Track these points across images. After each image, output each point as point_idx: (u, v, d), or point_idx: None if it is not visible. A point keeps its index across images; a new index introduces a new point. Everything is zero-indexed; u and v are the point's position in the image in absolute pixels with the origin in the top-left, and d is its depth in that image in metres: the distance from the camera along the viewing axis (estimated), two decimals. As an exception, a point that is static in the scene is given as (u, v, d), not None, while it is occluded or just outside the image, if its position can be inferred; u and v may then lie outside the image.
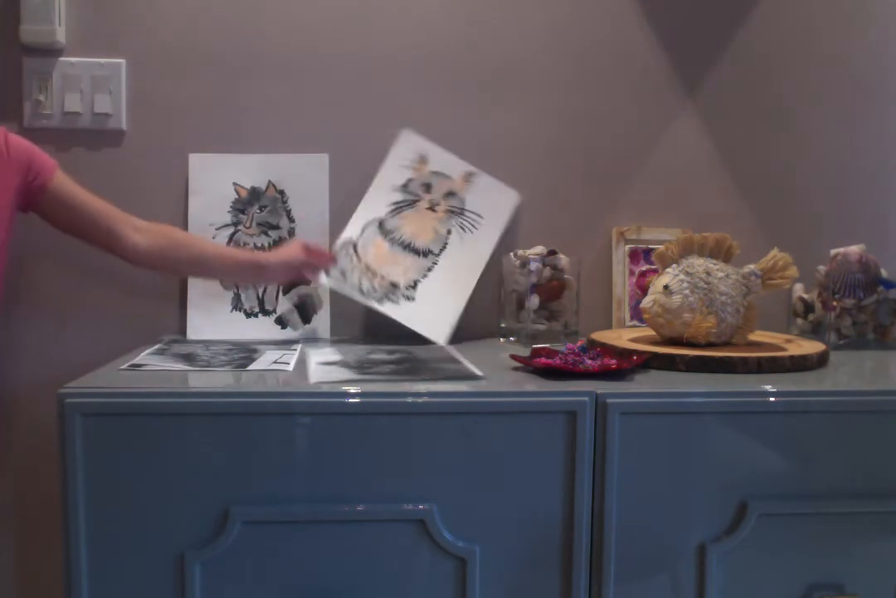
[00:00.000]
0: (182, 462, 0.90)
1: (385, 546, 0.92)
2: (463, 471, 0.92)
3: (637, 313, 1.35)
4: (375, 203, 1.28)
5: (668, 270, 1.16)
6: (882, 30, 1.44)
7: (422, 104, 1.36)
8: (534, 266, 1.24)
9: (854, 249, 1.30)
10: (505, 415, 0.92)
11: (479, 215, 1.29)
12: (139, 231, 1.17)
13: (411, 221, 1.27)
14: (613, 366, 1.02)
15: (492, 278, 1.34)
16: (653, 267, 1.33)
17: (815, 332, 1.32)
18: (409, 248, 1.26)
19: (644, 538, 0.94)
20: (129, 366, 1.04)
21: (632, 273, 1.39)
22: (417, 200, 1.28)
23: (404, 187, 1.29)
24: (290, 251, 1.23)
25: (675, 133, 1.41)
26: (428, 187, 1.29)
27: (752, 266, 1.17)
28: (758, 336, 1.22)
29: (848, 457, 0.97)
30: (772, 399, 0.95)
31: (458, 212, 1.28)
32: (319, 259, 1.24)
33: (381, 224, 1.27)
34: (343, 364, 1.05)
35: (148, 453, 0.89)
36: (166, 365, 1.05)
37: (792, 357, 1.07)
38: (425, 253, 1.26)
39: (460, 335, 1.35)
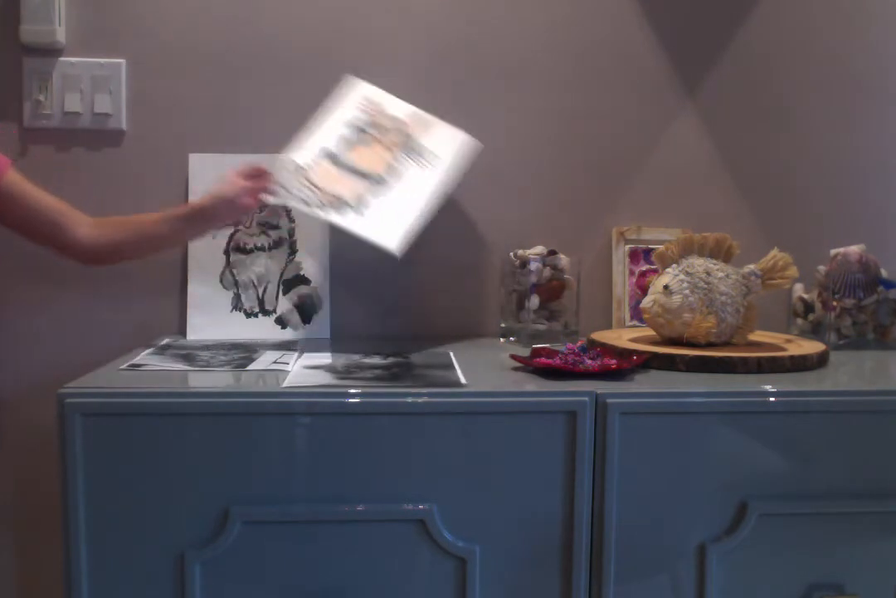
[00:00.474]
0: (182, 462, 0.90)
1: (385, 546, 0.92)
2: (463, 471, 0.92)
3: (637, 313, 1.35)
4: (322, 136, 1.23)
5: (668, 270, 1.16)
6: (882, 30, 1.44)
7: (422, 104, 1.36)
8: (534, 266, 1.24)
9: (854, 249, 1.30)
10: (505, 415, 0.93)
11: (434, 155, 1.23)
12: (85, 226, 1.15)
13: (363, 154, 1.21)
14: (613, 366, 1.02)
15: (492, 278, 1.34)
16: (653, 267, 1.33)
17: (815, 332, 1.32)
18: (360, 174, 1.19)
19: (644, 538, 0.94)
20: (129, 366, 1.04)
21: (632, 273, 1.39)
22: (368, 138, 1.23)
23: (353, 125, 1.24)
24: (225, 185, 1.18)
25: (675, 133, 1.41)
26: (378, 127, 1.24)
27: (752, 266, 1.17)
28: (758, 336, 1.22)
29: (848, 457, 0.97)
30: (772, 399, 0.95)
31: (411, 152, 1.22)
32: (257, 182, 1.18)
33: (329, 153, 1.20)
34: (328, 368, 1.04)
35: (148, 453, 0.89)
36: (166, 365, 1.05)
37: (792, 357, 1.07)
38: (378, 180, 1.18)
39: (460, 335, 1.35)
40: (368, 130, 1.23)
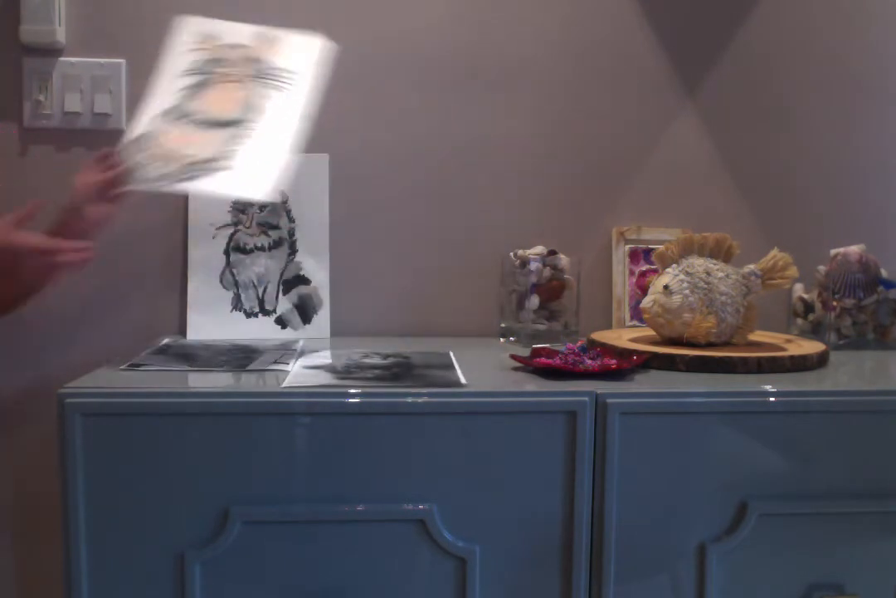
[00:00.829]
0: (182, 462, 0.90)
1: (385, 546, 0.92)
2: (463, 471, 0.92)
3: (637, 313, 1.35)
4: (162, 96, 1.12)
5: (668, 270, 1.16)
6: (882, 30, 1.44)
7: (422, 104, 1.36)
8: (534, 266, 1.24)
9: (854, 249, 1.30)
10: (505, 415, 0.93)
11: (288, 71, 1.12)
12: None
13: (212, 99, 1.10)
14: (613, 366, 1.02)
15: (492, 278, 1.34)
16: (653, 267, 1.33)
17: (815, 332, 1.32)
18: (215, 124, 1.08)
19: (644, 538, 0.94)
20: (129, 366, 1.04)
21: (632, 273, 1.39)
22: (213, 77, 1.11)
23: (192, 71, 1.12)
24: (75, 191, 1.06)
25: (675, 133, 1.41)
26: (220, 62, 1.12)
27: (752, 266, 1.17)
28: (758, 336, 1.22)
29: (848, 457, 0.97)
30: (772, 399, 0.95)
31: (264, 75, 1.11)
32: (107, 174, 1.07)
33: (175, 110, 1.09)
34: (328, 368, 1.04)
35: (148, 453, 0.89)
36: (166, 365, 1.05)
37: (792, 357, 1.07)
38: (237, 123, 1.08)
39: (460, 335, 1.35)
40: (211, 70, 1.12)
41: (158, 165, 1.04)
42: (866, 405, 0.97)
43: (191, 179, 1.04)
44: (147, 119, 1.09)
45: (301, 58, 1.13)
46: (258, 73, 1.11)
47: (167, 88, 1.11)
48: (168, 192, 1.05)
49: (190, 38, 1.15)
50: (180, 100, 1.09)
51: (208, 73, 1.11)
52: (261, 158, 1.05)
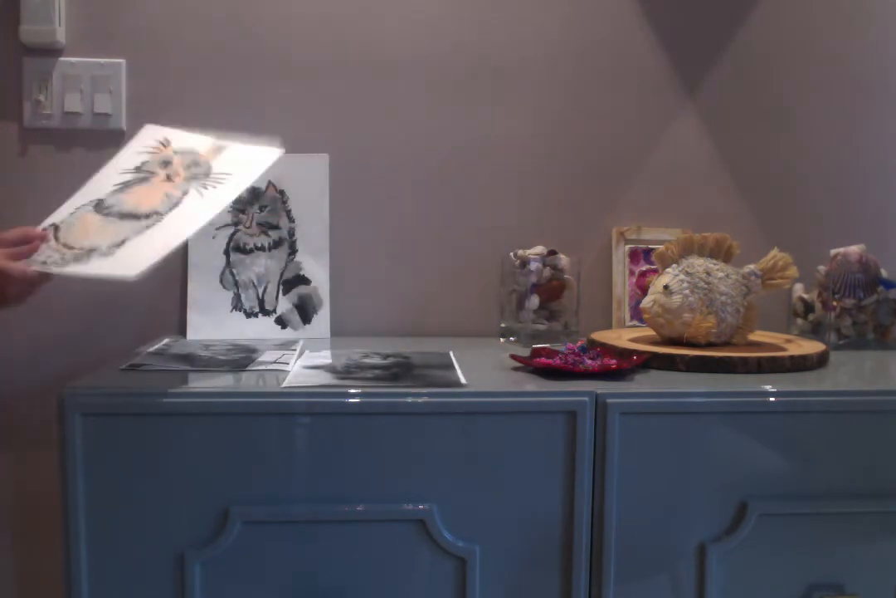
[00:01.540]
0: (182, 462, 0.90)
1: (385, 546, 0.92)
2: (463, 471, 0.92)
3: (637, 313, 1.35)
4: (96, 189, 1.13)
5: (668, 270, 1.16)
6: (882, 30, 1.44)
7: (422, 104, 1.36)
8: (534, 266, 1.24)
9: (854, 249, 1.30)
10: (505, 415, 0.93)
11: (226, 174, 1.11)
12: None
13: (139, 194, 1.10)
14: (613, 366, 1.02)
15: (492, 278, 1.34)
16: (653, 267, 1.33)
17: (815, 332, 1.32)
18: (128, 216, 1.08)
19: (644, 538, 0.94)
20: (129, 366, 1.04)
21: (632, 273, 1.39)
22: (151, 176, 1.12)
23: (138, 169, 1.13)
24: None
25: (675, 133, 1.41)
26: (167, 164, 1.13)
27: (752, 266, 1.17)
28: (758, 336, 1.22)
29: (848, 457, 0.97)
30: (772, 399, 0.95)
31: (200, 177, 1.11)
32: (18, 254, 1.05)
33: (98, 203, 1.10)
34: (328, 368, 1.04)
35: (148, 453, 0.89)
36: (166, 365, 1.05)
37: (792, 357, 1.07)
38: (147, 216, 1.07)
39: (460, 335, 1.35)
40: (149, 168, 1.13)
41: (50, 251, 1.05)
42: (866, 405, 0.97)
43: (64, 265, 1.03)
44: (64, 210, 1.11)
45: (241, 161, 1.13)
46: (192, 173, 1.12)
47: (106, 182, 1.13)
48: (51, 273, 1.03)
49: (149, 142, 1.17)
50: (108, 195, 1.11)
51: (149, 173, 1.13)
52: (148, 244, 1.04)
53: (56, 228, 1.08)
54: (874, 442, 0.97)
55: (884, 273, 1.30)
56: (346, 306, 1.35)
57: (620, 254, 1.39)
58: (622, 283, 1.38)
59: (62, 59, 1.30)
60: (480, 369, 1.06)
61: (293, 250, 1.34)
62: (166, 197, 1.10)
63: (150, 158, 1.15)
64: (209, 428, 0.90)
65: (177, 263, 1.32)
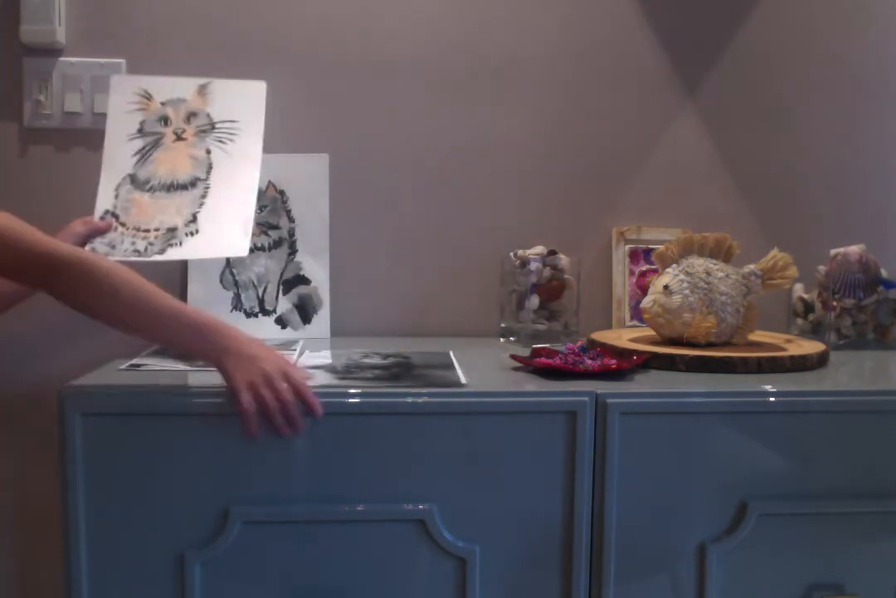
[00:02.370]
0: (182, 462, 0.90)
1: (385, 546, 0.92)
2: (463, 471, 0.92)
3: (637, 313, 1.35)
4: (118, 161, 1.16)
5: (668, 270, 1.16)
6: (882, 30, 1.43)
7: (422, 104, 1.36)
8: (534, 266, 1.24)
9: (854, 249, 1.30)
10: (505, 415, 0.93)
11: (231, 121, 1.15)
12: None
13: (164, 160, 1.15)
14: (613, 366, 1.02)
15: (492, 278, 1.34)
16: (653, 267, 1.33)
17: (815, 332, 1.32)
18: (172, 187, 1.13)
19: (644, 538, 0.94)
20: (129, 366, 1.04)
21: (632, 273, 1.39)
22: (160, 137, 1.15)
23: (140, 132, 1.17)
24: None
25: (675, 133, 1.41)
26: (165, 120, 1.16)
27: (752, 266, 1.17)
28: (758, 336, 1.22)
29: (848, 457, 0.97)
30: (772, 399, 0.95)
31: (208, 129, 1.15)
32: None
33: (133, 179, 1.14)
34: (328, 368, 1.04)
35: (148, 452, 0.89)
36: (166, 365, 1.05)
37: (792, 357, 1.07)
38: (192, 183, 1.13)
39: (460, 335, 1.35)
40: (155, 130, 1.16)
41: (128, 239, 1.10)
42: (866, 405, 0.97)
43: (163, 251, 1.09)
44: (111, 190, 1.14)
45: (237, 105, 1.17)
46: (201, 127, 1.16)
47: (122, 153, 1.15)
48: (147, 261, 1.09)
49: (129, 98, 1.18)
50: (134, 168, 1.14)
51: (156, 134, 1.15)
52: (225, 215, 1.10)
53: (114, 215, 1.11)
54: (874, 442, 0.97)
55: (884, 273, 1.30)
56: (346, 306, 1.34)
57: (620, 254, 1.39)
58: (622, 283, 1.38)
59: (62, 59, 1.30)
60: (480, 369, 1.06)
61: (293, 250, 1.33)
62: (193, 160, 1.13)
63: (144, 117, 1.16)
64: (209, 428, 0.90)
65: (177, 263, 1.32)
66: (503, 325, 1.30)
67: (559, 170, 1.39)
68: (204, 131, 1.14)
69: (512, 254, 1.29)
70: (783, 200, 1.43)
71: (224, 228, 1.09)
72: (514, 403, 0.93)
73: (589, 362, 1.03)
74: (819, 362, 1.10)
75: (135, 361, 1.07)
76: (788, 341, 1.21)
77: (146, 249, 1.09)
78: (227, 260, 1.31)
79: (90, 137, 1.31)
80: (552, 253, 1.27)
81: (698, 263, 1.15)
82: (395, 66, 1.35)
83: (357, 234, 1.36)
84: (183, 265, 1.32)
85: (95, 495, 0.89)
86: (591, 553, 0.94)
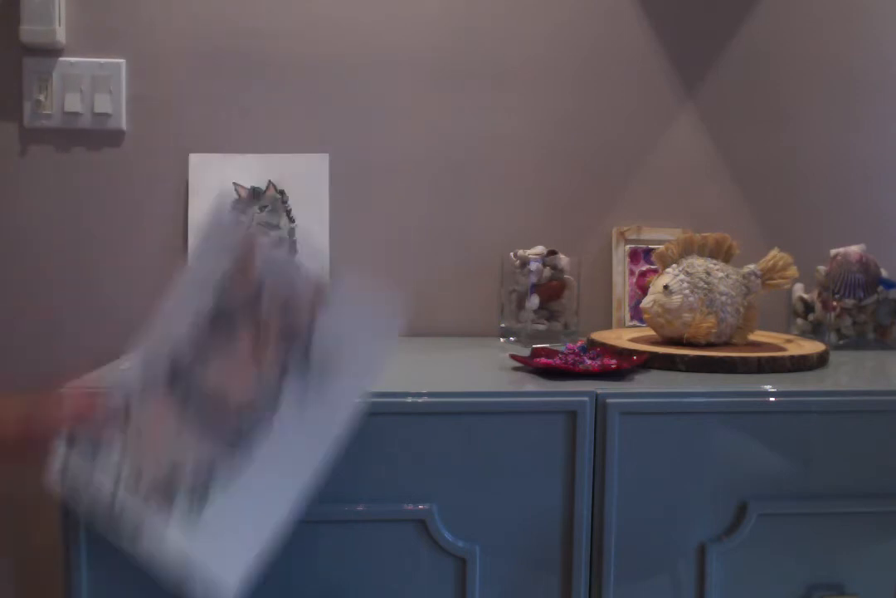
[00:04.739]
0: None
1: (385, 546, 0.92)
2: (463, 471, 0.92)
3: (637, 313, 1.35)
4: (175, 314, 0.80)
5: (668, 270, 1.16)
6: (882, 30, 1.43)
7: (422, 104, 1.36)
8: (534, 266, 1.24)
9: (854, 249, 1.30)
10: (505, 415, 0.92)
11: (334, 369, 0.77)
12: None
13: (224, 373, 0.76)
14: (613, 366, 1.02)
15: (492, 278, 1.34)
16: (653, 267, 1.33)
17: (815, 332, 1.32)
18: (208, 412, 0.74)
19: (644, 538, 0.94)
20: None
21: (632, 273, 1.39)
22: (236, 340, 0.76)
23: (219, 310, 0.78)
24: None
25: (674, 133, 1.41)
26: (257, 319, 0.76)
27: (752, 266, 1.17)
28: (758, 336, 1.22)
29: (848, 457, 0.97)
30: (772, 399, 0.95)
31: (297, 355, 0.76)
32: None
33: (174, 371, 0.77)
34: None
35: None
36: (166, 365, 1.03)
37: (792, 357, 1.07)
38: (238, 413, 0.74)
39: (460, 335, 1.35)
40: (234, 317, 0.75)
41: (119, 459, 0.75)
42: (866, 405, 0.97)
43: (156, 508, 0.74)
44: (148, 354, 0.78)
45: (353, 340, 0.79)
46: (288, 349, 0.77)
47: (189, 300, 0.79)
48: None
49: (233, 245, 0.81)
50: (186, 356, 0.76)
51: (233, 328, 0.75)
52: (239, 526, 0.75)
53: (127, 412, 0.76)
54: (874, 442, 0.97)
55: (884, 273, 1.30)
56: (346, 306, 1.34)
57: (620, 254, 1.39)
58: (622, 283, 1.38)
59: (62, 59, 1.30)
60: (480, 369, 1.06)
61: (293, 250, 1.33)
62: (257, 383, 0.74)
63: (238, 292, 0.77)
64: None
65: (177, 263, 1.32)
66: (503, 325, 1.30)
67: (559, 170, 1.39)
68: (290, 356, 0.74)
69: (512, 254, 1.29)
70: (783, 201, 1.43)
71: (225, 547, 0.73)
72: (514, 403, 0.93)
73: (589, 362, 1.03)
74: (819, 362, 1.10)
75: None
76: (788, 341, 1.21)
77: (125, 486, 0.74)
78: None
79: (90, 137, 1.32)
80: (552, 253, 1.27)
81: (698, 263, 1.15)
82: (395, 66, 1.35)
83: (357, 234, 1.36)
84: (181, 264, 1.32)
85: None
86: (591, 553, 0.94)
